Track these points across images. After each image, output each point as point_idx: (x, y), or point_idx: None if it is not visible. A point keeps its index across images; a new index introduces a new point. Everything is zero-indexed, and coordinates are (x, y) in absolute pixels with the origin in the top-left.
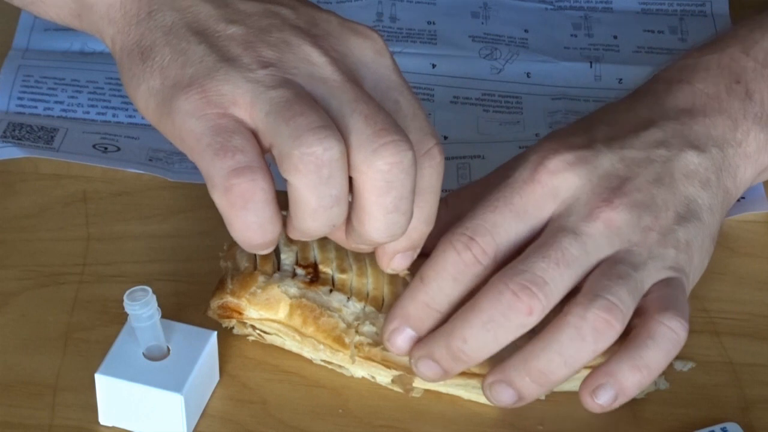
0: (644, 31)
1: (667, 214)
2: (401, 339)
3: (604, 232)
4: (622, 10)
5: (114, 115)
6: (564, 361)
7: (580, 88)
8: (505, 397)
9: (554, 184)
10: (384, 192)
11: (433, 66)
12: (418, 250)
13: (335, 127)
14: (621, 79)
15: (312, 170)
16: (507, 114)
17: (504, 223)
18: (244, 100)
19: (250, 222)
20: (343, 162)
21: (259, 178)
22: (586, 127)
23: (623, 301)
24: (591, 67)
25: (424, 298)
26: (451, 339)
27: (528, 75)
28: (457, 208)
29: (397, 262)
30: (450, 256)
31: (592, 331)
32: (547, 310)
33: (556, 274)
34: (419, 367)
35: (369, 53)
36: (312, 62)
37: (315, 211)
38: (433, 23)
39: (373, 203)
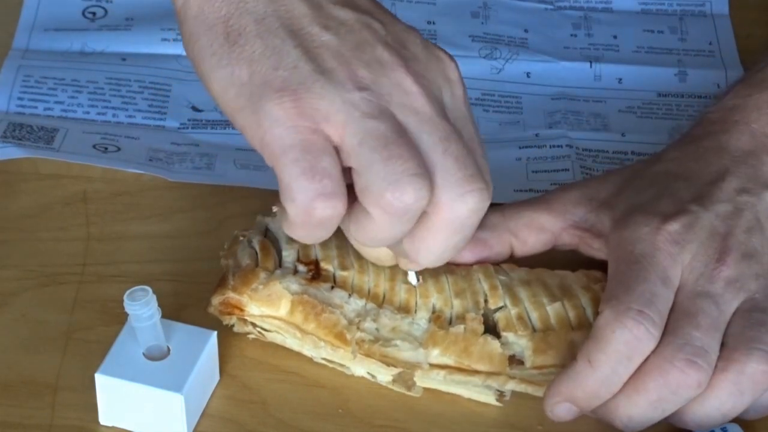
0: (644, 31)
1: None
2: (565, 412)
3: (729, 289)
4: (621, 10)
5: (114, 115)
6: (723, 415)
7: (579, 87)
8: None
9: (677, 252)
10: (454, 233)
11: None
12: None
13: (428, 174)
14: (621, 79)
15: (397, 213)
16: (507, 114)
17: (659, 291)
18: (337, 119)
19: (316, 236)
20: (424, 205)
21: (340, 205)
22: (664, 185)
23: None
24: (591, 66)
25: (593, 384)
26: (615, 415)
27: (528, 75)
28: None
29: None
30: (622, 334)
31: (751, 384)
32: (709, 377)
33: (710, 340)
34: (559, 412)
35: (448, 81)
36: (405, 90)
37: (381, 240)
38: (433, 23)
39: (440, 240)
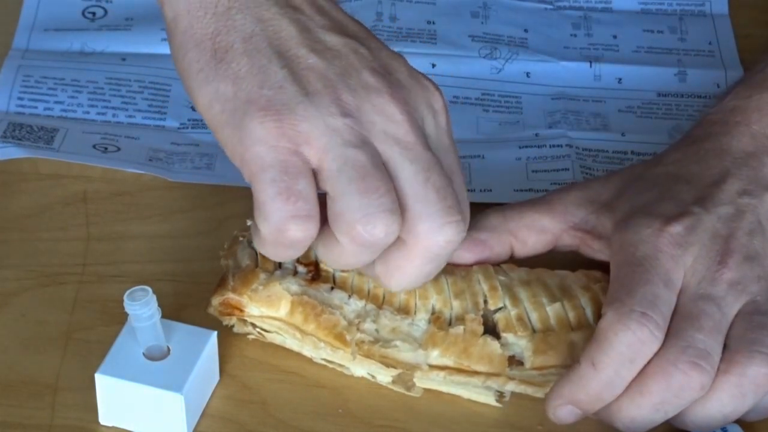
0: (644, 31)
1: None
2: (567, 414)
3: (731, 291)
4: (621, 10)
5: (114, 115)
6: (724, 417)
7: (579, 87)
8: None
9: (679, 254)
10: (429, 262)
11: (433, 66)
12: None
13: (399, 210)
14: (620, 79)
15: (366, 245)
16: (507, 114)
17: (662, 293)
18: (318, 143)
19: (285, 256)
20: (392, 240)
21: (313, 228)
22: (666, 187)
23: None
24: (591, 66)
25: (597, 387)
26: (617, 418)
27: (528, 75)
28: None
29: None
30: (625, 337)
31: (753, 387)
32: (712, 380)
33: (713, 342)
34: (561, 414)
35: (431, 110)
36: (389, 117)
37: (346, 265)
38: (433, 23)
39: (414, 267)
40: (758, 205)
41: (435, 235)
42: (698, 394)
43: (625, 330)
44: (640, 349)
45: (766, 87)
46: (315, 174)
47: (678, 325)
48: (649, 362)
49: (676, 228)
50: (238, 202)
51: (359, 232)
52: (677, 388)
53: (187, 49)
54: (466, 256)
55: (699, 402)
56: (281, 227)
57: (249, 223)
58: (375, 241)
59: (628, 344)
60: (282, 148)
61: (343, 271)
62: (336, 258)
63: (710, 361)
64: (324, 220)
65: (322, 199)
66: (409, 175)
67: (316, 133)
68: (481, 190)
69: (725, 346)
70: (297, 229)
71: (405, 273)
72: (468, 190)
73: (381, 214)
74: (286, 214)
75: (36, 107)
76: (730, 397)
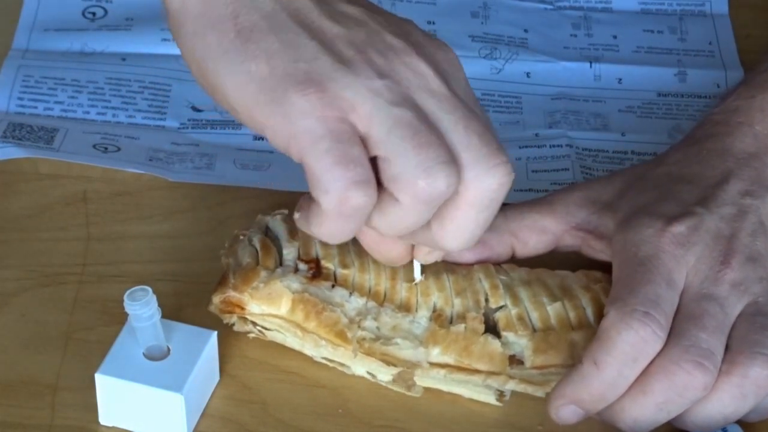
0: (644, 31)
1: None
2: (570, 414)
3: (733, 292)
4: (621, 10)
5: (114, 115)
6: (724, 418)
7: (579, 88)
8: None
9: (681, 254)
10: (484, 208)
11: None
12: None
13: (455, 159)
14: (620, 79)
15: (429, 200)
16: (507, 114)
17: (664, 293)
18: (364, 108)
19: (347, 230)
20: (454, 190)
21: (373, 193)
22: (668, 187)
23: None
24: (591, 67)
25: (600, 387)
26: (620, 418)
27: (528, 75)
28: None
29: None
30: (628, 336)
31: (754, 389)
32: (713, 382)
33: (716, 342)
34: (564, 414)
35: (451, 65)
36: (420, 73)
37: (404, 228)
38: (433, 23)
39: (470, 218)
40: (760, 206)
41: (485, 179)
42: (701, 394)
43: (628, 329)
44: (642, 348)
45: (766, 87)
46: (364, 141)
47: (681, 325)
48: (651, 362)
49: (679, 228)
50: (238, 202)
51: (423, 188)
52: (681, 388)
53: (205, 33)
54: (467, 256)
55: (700, 402)
56: (344, 195)
57: (296, 216)
58: (439, 194)
59: (630, 343)
60: (330, 118)
61: (344, 268)
62: (397, 222)
63: (713, 361)
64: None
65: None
66: (450, 125)
67: (360, 99)
68: None
69: (727, 347)
70: (360, 195)
71: (462, 226)
72: None
73: (440, 165)
74: (347, 181)
75: (36, 107)
76: (731, 398)
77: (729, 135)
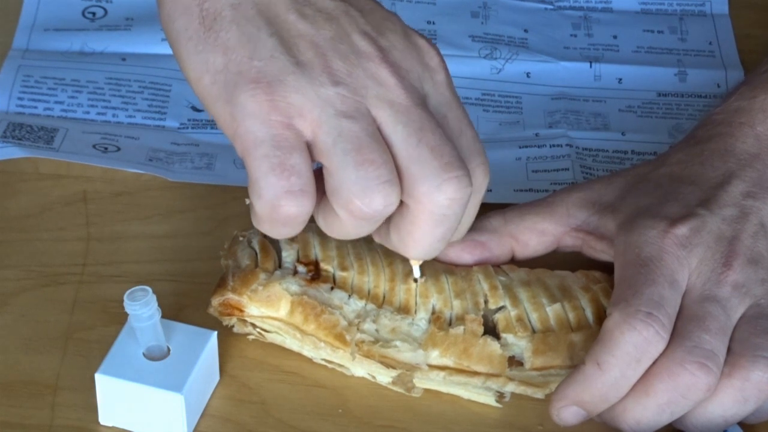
0: (644, 31)
1: None
2: (572, 416)
3: (735, 294)
4: (621, 10)
5: (114, 115)
6: (725, 421)
7: (579, 87)
8: None
9: (684, 255)
10: (437, 224)
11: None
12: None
13: (398, 179)
14: (621, 79)
15: (365, 218)
16: (507, 114)
17: (667, 294)
18: (311, 115)
19: (282, 233)
20: (392, 210)
21: (308, 203)
22: (670, 188)
23: None
24: (591, 67)
25: (602, 388)
26: (622, 419)
27: (528, 75)
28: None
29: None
30: (631, 337)
31: (756, 392)
32: (718, 381)
33: (719, 343)
34: (566, 416)
35: (427, 69)
36: (381, 81)
37: (348, 236)
38: (433, 23)
39: (425, 231)
40: (762, 208)
41: (435, 194)
42: (704, 395)
43: (631, 330)
44: (646, 349)
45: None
46: (310, 147)
47: (684, 327)
48: (654, 363)
49: (681, 230)
50: (238, 202)
51: (358, 206)
52: (684, 389)
53: (175, 17)
54: (466, 257)
55: (701, 404)
56: (275, 203)
57: (247, 201)
58: (374, 213)
59: (634, 344)
60: (274, 122)
61: (343, 270)
62: (337, 230)
63: (716, 362)
64: (323, 191)
65: (319, 172)
66: (402, 137)
67: (308, 105)
68: None
69: (729, 350)
70: (291, 204)
71: (418, 239)
72: None
73: (378, 186)
74: (279, 190)
75: (36, 107)
76: (733, 401)
77: (731, 136)
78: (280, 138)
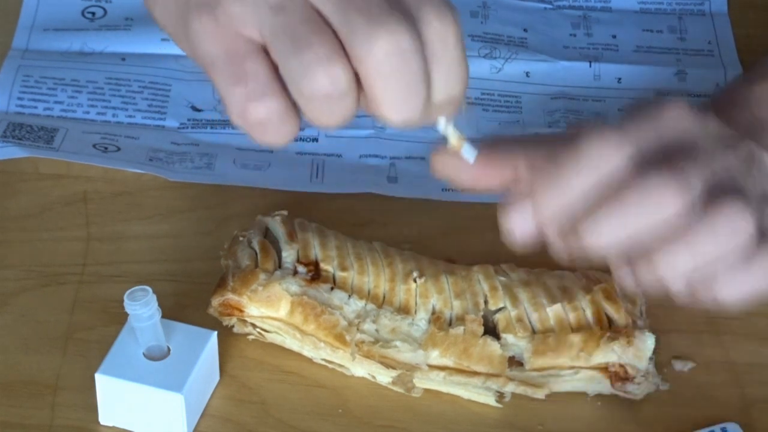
0: (643, 31)
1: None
2: (522, 223)
3: (718, 149)
4: (620, 9)
5: (114, 115)
6: (695, 266)
7: (579, 87)
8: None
9: (684, 114)
10: (392, 81)
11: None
12: (462, 103)
13: (341, 51)
14: (620, 79)
15: (323, 101)
16: (506, 113)
17: (645, 131)
18: (252, 19)
19: (268, 139)
20: (352, 85)
21: (272, 102)
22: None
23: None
24: (590, 66)
25: (564, 195)
26: (583, 235)
27: (527, 74)
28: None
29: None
30: (600, 148)
31: (728, 231)
32: (684, 211)
33: (697, 179)
34: (513, 220)
35: None
36: None
37: (330, 118)
38: None
39: (385, 92)
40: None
41: (370, 52)
42: (671, 219)
43: (603, 142)
44: (612, 159)
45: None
46: (268, 51)
47: (677, 157)
48: (622, 184)
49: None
50: (238, 202)
51: (308, 91)
52: (651, 205)
53: None
54: (468, 173)
55: (670, 243)
56: (242, 111)
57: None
58: (326, 92)
59: (598, 151)
60: (222, 37)
61: (343, 270)
62: (316, 116)
63: (691, 190)
64: None
65: None
66: (331, 8)
67: (248, 11)
68: None
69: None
70: (259, 107)
71: (383, 100)
72: None
73: (319, 66)
74: (241, 97)
75: (36, 107)
76: (703, 241)
77: (724, 115)
78: (230, 50)
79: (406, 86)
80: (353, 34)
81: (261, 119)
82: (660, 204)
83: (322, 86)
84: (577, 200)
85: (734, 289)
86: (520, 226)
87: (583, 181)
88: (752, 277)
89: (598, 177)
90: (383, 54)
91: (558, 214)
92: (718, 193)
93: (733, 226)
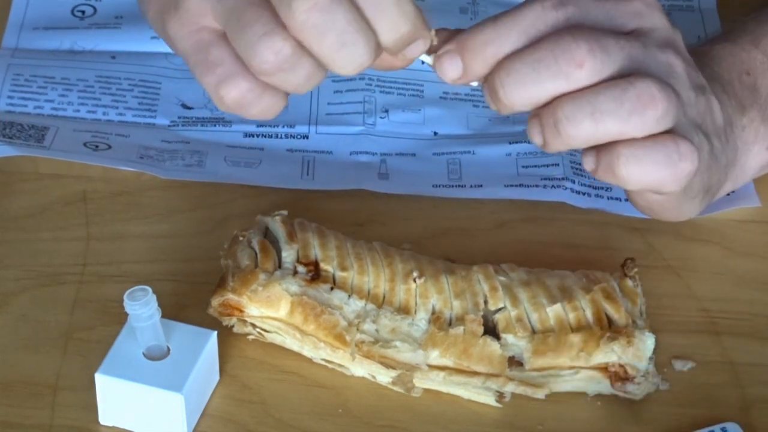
0: None
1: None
2: (449, 63)
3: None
4: None
5: (104, 114)
6: (591, 115)
7: None
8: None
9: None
10: (318, 35)
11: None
12: (427, 34)
13: (281, 24)
14: None
15: (276, 72)
16: None
17: (598, 7)
18: (207, 9)
19: (254, 113)
20: (297, 51)
21: (241, 82)
22: None
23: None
24: None
25: (484, 38)
26: (496, 74)
27: None
28: None
29: (410, 53)
30: (533, 8)
31: (635, 99)
32: (593, 79)
33: (618, 52)
34: (443, 61)
35: None
36: None
37: (296, 88)
38: None
39: (318, 49)
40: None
41: (291, 13)
42: (574, 72)
43: (537, 5)
44: (541, 29)
45: (731, 38)
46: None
47: (601, 29)
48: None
49: None
50: (237, 201)
51: (258, 66)
52: (560, 50)
53: None
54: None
55: (573, 99)
56: (218, 96)
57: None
58: (276, 65)
59: (531, 7)
60: (188, 32)
61: (342, 270)
62: (287, 89)
63: (603, 57)
64: None
65: None
66: None
67: (203, 2)
68: (471, 186)
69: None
70: (230, 89)
71: (328, 59)
72: (458, 186)
73: (261, 41)
74: (213, 83)
75: (26, 106)
76: (610, 97)
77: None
78: (196, 43)
79: (338, 37)
80: (279, 3)
81: (237, 99)
82: (568, 60)
83: (267, 59)
84: (501, 48)
85: (636, 169)
86: (450, 68)
87: (509, 30)
88: (653, 162)
89: (525, 30)
90: (303, 13)
91: (482, 59)
92: (640, 74)
93: (639, 99)
